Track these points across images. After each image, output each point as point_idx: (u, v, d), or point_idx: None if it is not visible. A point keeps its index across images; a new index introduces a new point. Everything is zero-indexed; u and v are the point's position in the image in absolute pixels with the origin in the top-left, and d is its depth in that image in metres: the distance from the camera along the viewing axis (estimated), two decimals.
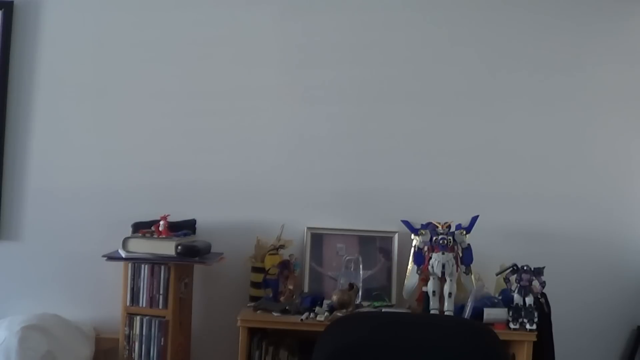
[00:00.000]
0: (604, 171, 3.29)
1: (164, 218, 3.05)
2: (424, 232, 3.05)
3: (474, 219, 3.07)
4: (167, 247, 2.94)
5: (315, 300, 3.00)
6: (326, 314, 2.90)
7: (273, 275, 3.07)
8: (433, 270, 2.94)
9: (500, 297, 2.98)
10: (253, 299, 3.11)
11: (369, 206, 3.27)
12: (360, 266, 3.13)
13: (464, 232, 3.03)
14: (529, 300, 2.86)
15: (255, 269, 3.14)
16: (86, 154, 3.30)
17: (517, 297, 2.87)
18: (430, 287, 2.94)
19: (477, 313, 2.85)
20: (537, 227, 3.25)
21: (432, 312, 2.90)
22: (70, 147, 3.31)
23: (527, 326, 2.83)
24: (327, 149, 3.30)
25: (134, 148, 3.30)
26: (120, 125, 3.31)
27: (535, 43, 3.29)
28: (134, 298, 2.99)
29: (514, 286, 2.91)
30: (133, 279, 2.99)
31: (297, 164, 3.29)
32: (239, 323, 2.88)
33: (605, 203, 3.28)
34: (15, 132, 3.30)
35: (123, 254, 2.98)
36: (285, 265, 3.08)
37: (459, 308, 2.91)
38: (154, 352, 2.96)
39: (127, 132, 3.31)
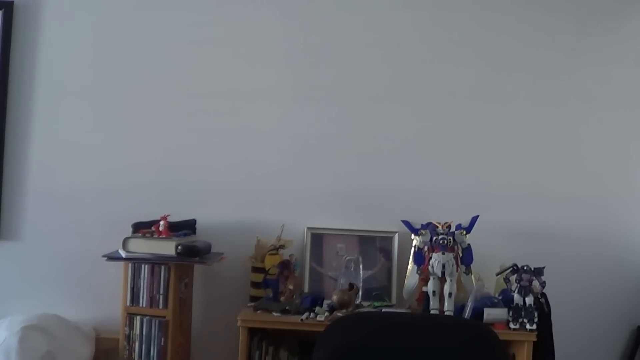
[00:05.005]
0: (604, 171, 3.29)
1: (164, 218, 3.05)
2: (424, 232, 3.05)
3: (474, 219, 3.07)
4: (167, 247, 2.94)
5: (315, 300, 3.00)
6: (326, 314, 2.90)
7: (273, 275, 3.07)
8: (433, 270, 2.94)
9: (500, 297, 2.97)
10: (253, 299, 3.11)
11: (369, 206, 3.27)
12: (360, 266, 3.13)
13: (464, 232, 3.03)
14: (529, 300, 2.86)
15: (256, 269, 3.14)
16: (86, 154, 3.30)
17: (517, 297, 2.87)
18: (430, 287, 2.94)
19: (477, 313, 2.85)
20: (537, 227, 3.25)
21: (432, 312, 2.90)
22: (70, 147, 3.31)
23: (527, 326, 2.83)
24: (327, 149, 3.29)
25: (134, 148, 3.30)
26: (120, 125, 3.31)
27: (536, 44, 3.29)
28: (134, 298, 2.99)
29: (514, 286, 2.91)
30: (133, 279, 3.00)
31: (297, 164, 3.29)
32: (239, 323, 2.88)
33: (605, 203, 3.28)
34: (15, 132, 3.30)
35: (123, 254, 2.98)
36: (285, 265, 3.08)
37: (459, 308, 2.91)
38: (154, 352, 2.96)
39: (127, 132, 3.31)
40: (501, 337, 2.22)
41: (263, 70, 3.30)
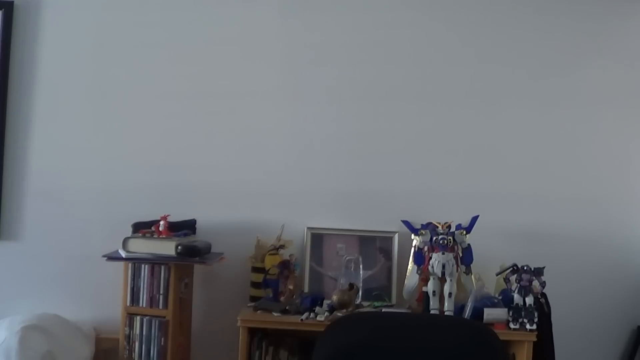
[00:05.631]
0: (603, 171, 3.29)
1: (164, 218, 3.05)
2: (424, 232, 3.05)
3: (474, 219, 3.07)
4: (167, 247, 2.94)
5: (315, 300, 3.00)
6: (326, 314, 2.90)
7: (273, 275, 3.07)
8: (433, 270, 2.94)
9: (500, 297, 2.98)
10: (253, 299, 3.11)
11: (369, 206, 3.27)
12: (360, 266, 3.13)
13: (464, 232, 3.03)
14: (529, 300, 2.86)
15: (256, 269, 3.14)
16: (86, 154, 3.30)
17: (517, 297, 2.87)
18: (430, 287, 2.94)
19: (477, 313, 2.85)
20: (537, 228, 3.25)
21: (432, 312, 2.90)
22: (70, 148, 3.30)
23: (527, 326, 2.83)
24: (327, 149, 3.29)
25: (134, 148, 3.30)
26: (121, 125, 3.31)
27: (537, 44, 3.29)
28: (134, 298, 2.99)
29: (514, 286, 2.91)
30: (133, 279, 2.99)
31: (297, 164, 3.29)
32: (239, 323, 2.88)
33: (605, 203, 3.29)
34: (15, 132, 3.30)
35: (123, 254, 2.98)
36: (285, 265, 3.08)
37: (459, 308, 2.91)
38: (154, 352, 2.96)
39: (128, 133, 3.31)
40: (501, 337, 2.23)
41: (263, 70, 3.30)
